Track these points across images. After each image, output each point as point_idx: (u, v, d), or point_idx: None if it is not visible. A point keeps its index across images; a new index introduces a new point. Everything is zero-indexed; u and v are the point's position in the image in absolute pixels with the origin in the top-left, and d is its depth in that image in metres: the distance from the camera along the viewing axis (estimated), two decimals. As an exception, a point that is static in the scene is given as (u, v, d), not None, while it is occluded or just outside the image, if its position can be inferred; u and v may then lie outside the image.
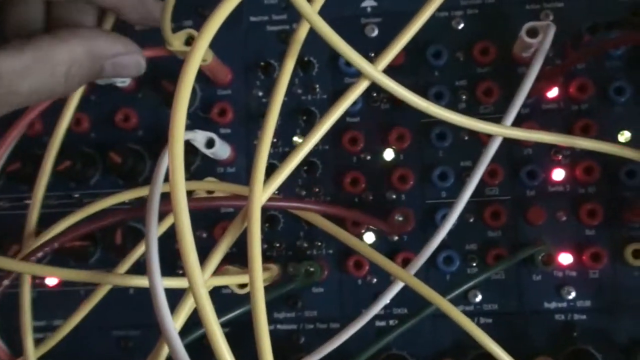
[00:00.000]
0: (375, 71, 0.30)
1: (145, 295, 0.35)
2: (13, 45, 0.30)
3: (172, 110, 0.25)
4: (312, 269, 0.38)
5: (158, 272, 0.27)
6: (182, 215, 0.24)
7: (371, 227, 0.40)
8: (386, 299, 0.37)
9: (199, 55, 0.26)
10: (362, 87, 0.30)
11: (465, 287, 0.35)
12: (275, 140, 0.41)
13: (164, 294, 0.27)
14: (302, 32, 0.30)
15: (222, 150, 0.40)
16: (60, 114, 0.39)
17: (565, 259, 0.39)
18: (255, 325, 0.27)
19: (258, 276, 0.26)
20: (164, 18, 0.37)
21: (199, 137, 0.38)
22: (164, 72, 0.41)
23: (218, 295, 0.38)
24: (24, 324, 0.37)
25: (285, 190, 0.41)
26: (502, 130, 0.33)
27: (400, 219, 0.39)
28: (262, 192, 0.28)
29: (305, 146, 0.30)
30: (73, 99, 0.39)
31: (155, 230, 0.29)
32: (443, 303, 0.33)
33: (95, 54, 0.32)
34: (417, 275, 0.38)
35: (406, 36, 0.31)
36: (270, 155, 0.41)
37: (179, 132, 0.25)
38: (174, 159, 0.24)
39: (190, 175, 0.42)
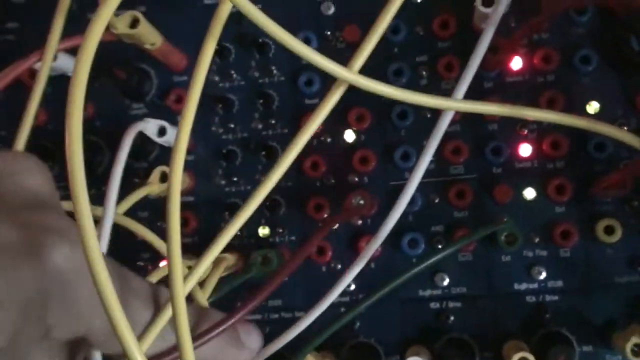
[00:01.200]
0: (351, 74, 0.28)
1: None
2: None
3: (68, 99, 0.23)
4: (269, 256, 0.37)
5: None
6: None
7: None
8: (349, 277, 0.35)
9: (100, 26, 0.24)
10: (338, 93, 0.29)
11: (422, 265, 0.33)
12: (232, 125, 0.40)
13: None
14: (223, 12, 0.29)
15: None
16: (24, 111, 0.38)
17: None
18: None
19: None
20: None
21: (150, 126, 0.37)
22: (118, 59, 0.41)
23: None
24: None
25: (245, 177, 0.40)
26: (452, 104, 0.31)
27: (361, 202, 0.37)
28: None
29: (266, 186, 0.29)
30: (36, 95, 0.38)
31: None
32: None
33: None
34: (382, 259, 0.38)
35: (381, 26, 0.29)
36: (230, 142, 0.41)
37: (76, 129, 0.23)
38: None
39: (149, 165, 0.41)
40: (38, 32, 0.37)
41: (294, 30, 0.39)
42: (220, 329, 0.29)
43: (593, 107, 0.37)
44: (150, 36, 0.37)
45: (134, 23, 0.36)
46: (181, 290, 0.26)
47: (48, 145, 0.41)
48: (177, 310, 0.26)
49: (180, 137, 0.27)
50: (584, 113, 0.37)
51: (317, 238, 0.35)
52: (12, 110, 0.41)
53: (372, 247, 0.34)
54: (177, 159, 0.26)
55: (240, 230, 0.39)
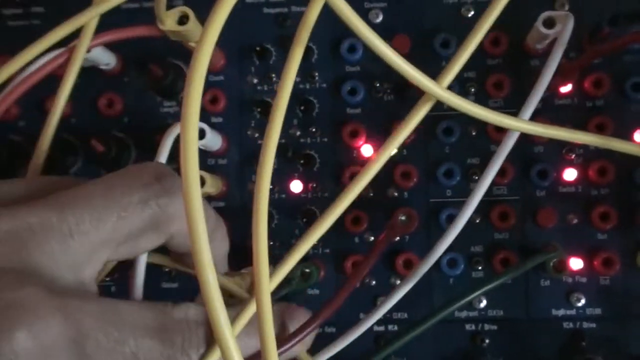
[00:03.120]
0: (439, 89, 0.27)
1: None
2: None
3: (182, 117, 0.22)
4: (308, 271, 0.36)
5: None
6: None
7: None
8: (387, 306, 0.34)
9: (211, 42, 0.23)
10: (425, 108, 0.28)
11: (471, 296, 0.33)
12: (270, 131, 0.39)
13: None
14: (313, 13, 0.27)
15: (212, 141, 0.37)
16: (53, 103, 0.35)
17: (576, 264, 0.37)
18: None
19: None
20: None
21: (189, 127, 0.35)
22: (152, 53, 0.39)
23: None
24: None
25: (279, 185, 0.39)
26: (526, 126, 0.30)
27: (403, 218, 0.36)
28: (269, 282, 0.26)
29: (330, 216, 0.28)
30: (67, 84, 0.36)
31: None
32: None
33: None
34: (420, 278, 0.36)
35: (473, 42, 0.28)
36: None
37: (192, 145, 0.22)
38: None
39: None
40: (62, 17, 0.35)
41: (340, 37, 0.38)
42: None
43: (642, 135, 0.37)
44: (197, 34, 0.35)
45: (183, 19, 0.34)
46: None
47: (71, 140, 0.39)
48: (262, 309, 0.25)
49: (267, 146, 0.25)
50: (632, 140, 0.37)
51: (371, 260, 0.34)
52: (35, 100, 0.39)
53: (420, 271, 0.33)
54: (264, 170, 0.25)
55: (273, 240, 0.38)
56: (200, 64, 0.22)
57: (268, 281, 0.25)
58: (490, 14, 0.28)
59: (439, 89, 0.27)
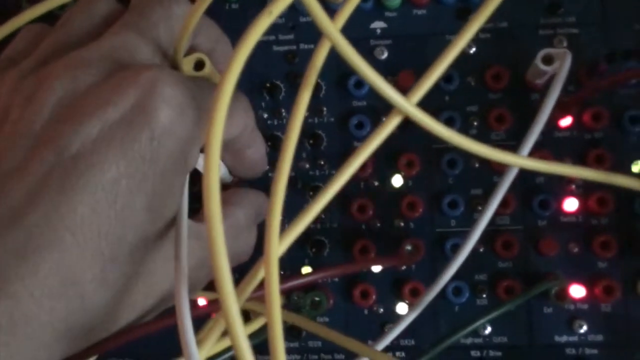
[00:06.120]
0: (409, 105, 0.28)
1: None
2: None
3: (205, 154, 0.24)
4: (318, 299, 0.37)
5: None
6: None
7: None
8: (394, 333, 0.36)
9: (230, 86, 0.24)
10: (394, 123, 0.29)
11: (477, 324, 0.34)
12: (280, 164, 0.40)
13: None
14: (320, 57, 0.28)
15: (226, 175, 0.39)
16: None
17: (578, 291, 0.38)
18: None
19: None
20: (180, 37, 0.36)
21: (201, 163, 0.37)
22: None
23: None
24: None
25: (290, 217, 0.40)
26: (525, 162, 0.32)
27: (409, 248, 0.38)
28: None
29: (322, 200, 0.29)
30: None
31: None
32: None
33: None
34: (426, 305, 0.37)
35: (444, 63, 0.29)
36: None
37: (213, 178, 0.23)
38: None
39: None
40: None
41: (346, 74, 0.40)
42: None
43: (639, 166, 0.38)
44: (214, 78, 0.36)
45: (199, 65, 0.35)
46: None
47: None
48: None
49: (278, 180, 0.27)
50: (629, 172, 0.38)
51: (363, 265, 0.35)
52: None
53: (427, 299, 0.35)
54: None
55: (283, 269, 0.40)
56: (221, 107, 0.24)
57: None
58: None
59: (408, 105, 0.28)
